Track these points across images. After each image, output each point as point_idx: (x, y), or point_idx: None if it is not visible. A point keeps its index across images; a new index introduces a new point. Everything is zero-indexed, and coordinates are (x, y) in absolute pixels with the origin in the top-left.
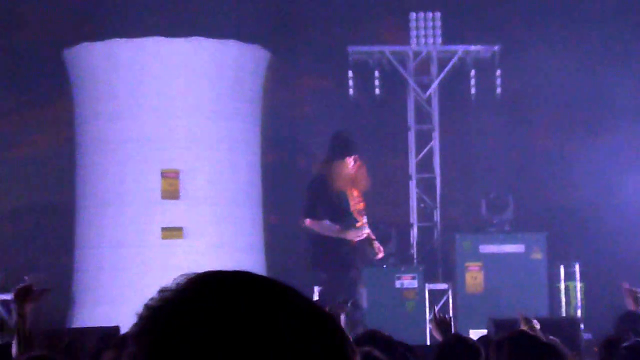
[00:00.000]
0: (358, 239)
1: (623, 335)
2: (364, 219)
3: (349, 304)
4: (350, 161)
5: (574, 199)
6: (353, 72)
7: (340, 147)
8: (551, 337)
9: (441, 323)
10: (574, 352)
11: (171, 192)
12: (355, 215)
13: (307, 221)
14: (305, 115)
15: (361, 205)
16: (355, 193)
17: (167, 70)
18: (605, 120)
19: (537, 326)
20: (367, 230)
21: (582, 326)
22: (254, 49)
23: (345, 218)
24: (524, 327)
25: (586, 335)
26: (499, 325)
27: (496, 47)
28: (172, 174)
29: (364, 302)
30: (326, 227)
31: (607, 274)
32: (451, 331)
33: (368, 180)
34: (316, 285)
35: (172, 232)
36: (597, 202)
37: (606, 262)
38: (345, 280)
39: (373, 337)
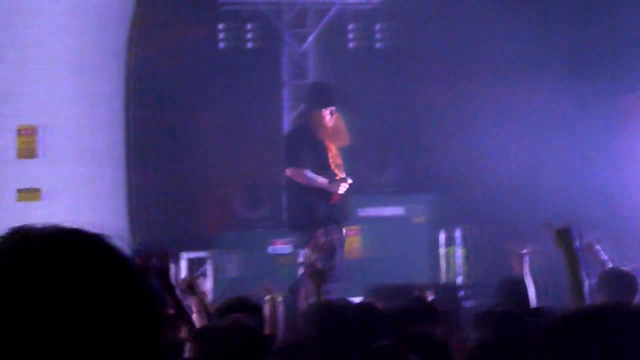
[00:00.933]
0: (341, 191)
1: (503, 302)
2: (343, 174)
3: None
4: (326, 113)
5: (458, 161)
6: (224, 24)
7: (316, 98)
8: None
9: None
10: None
11: (27, 151)
12: (334, 169)
13: (288, 171)
14: (174, 68)
15: (339, 160)
16: (333, 147)
17: (24, 20)
18: (492, 76)
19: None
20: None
21: (461, 292)
22: None
23: (324, 171)
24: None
25: (467, 303)
26: (378, 292)
27: (375, 0)
28: (29, 131)
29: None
30: (309, 177)
31: (491, 239)
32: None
33: (346, 133)
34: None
35: (28, 193)
36: (481, 165)
37: (490, 227)
38: (325, 241)
39: (243, 304)
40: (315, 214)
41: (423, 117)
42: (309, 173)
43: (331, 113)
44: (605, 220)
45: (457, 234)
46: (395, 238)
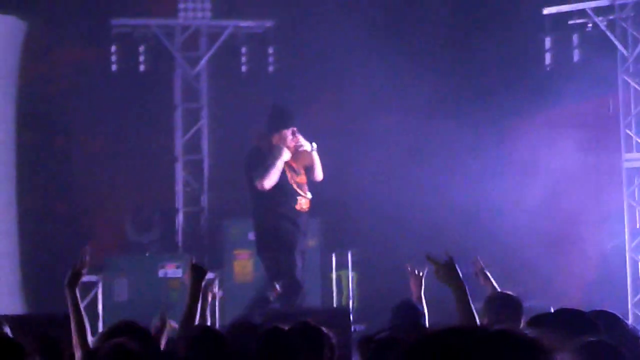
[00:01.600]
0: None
1: (399, 326)
2: (307, 193)
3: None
4: (287, 134)
5: (349, 185)
6: (116, 46)
7: (276, 120)
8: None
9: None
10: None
11: None
12: (295, 188)
13: (260, 185)
14: (65, 90)
15: (303, 179)
16: (295, 166)
17: None
18: (384, 103)
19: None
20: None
21: (352, 317)
22: (9, 20)
23: (283, 191)
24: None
25: (358, 327)
26: (268, 317)
27: (269, 23)
28: None
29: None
30: (269, 168)
31: (381, 263)
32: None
33: (309, 153)
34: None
35: None
36: (370, 189)
37: (380, 251)
38: (286, 263)
39: (130, 328)
40: (282, 238)
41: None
42: (268, 167)
43: (293, 133)
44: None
45: (348, 257)
46: None
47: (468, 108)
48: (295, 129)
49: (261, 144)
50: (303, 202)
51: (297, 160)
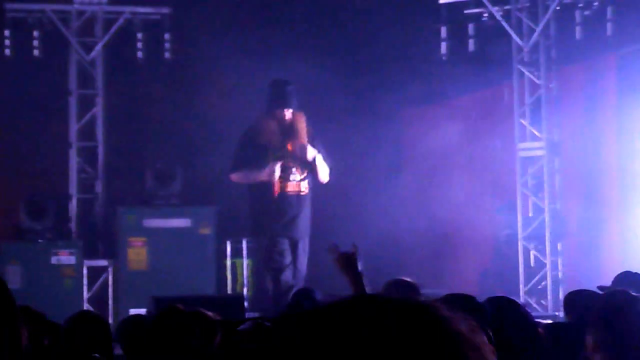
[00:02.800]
0: (270, 176)
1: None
2: (300, 174)
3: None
4: (281, 114)
5: None
6: (10, 30)
7: (270, 99)
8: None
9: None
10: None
11: None
12: (291, 166)
13: (232, 176)
14: None
15: (296, 161)
16: (290, 148)
17: None
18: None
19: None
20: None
21: (246, 304)
22: None
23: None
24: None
25: (251, 314)
26: (160, 304)
27: (165, 10)
28: None
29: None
30: (247, 173)
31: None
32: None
33: (306, 135)
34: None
35: None
36: None
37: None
38: (275, 249)
39: (25, 313)
40: (259, 221)
41: (208, 128)
42: (247, 171)
43: (291, 114)
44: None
45: (244, 245)
46: (182, 249)
47: (365, 100)
48: (293, 109)
49: (257, 125)
50: (294, 183)
51: (293, 141)
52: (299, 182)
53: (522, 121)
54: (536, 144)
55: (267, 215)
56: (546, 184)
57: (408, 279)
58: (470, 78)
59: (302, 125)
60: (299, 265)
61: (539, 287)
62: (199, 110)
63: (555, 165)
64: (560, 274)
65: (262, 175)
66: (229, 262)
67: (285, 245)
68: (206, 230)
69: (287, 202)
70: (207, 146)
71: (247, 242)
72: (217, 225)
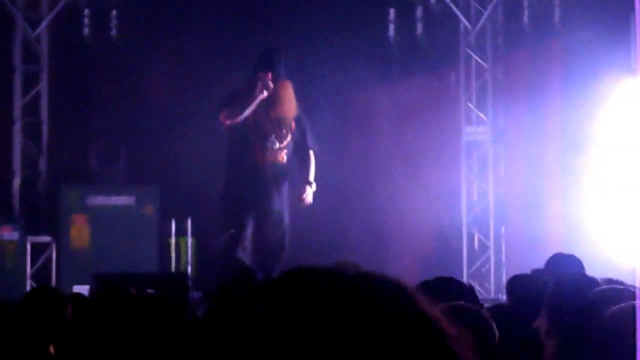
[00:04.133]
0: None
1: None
2: (278, 143)
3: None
4: (265, 78)
5: (187, 150)
6: None
7: (255, 64)
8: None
9: None
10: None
11: None
12: (266, 133)
13: (221, 116)
14: None
15: (279, 130)
16: (274, 116)
17: None
18: (226, 68)
19: None
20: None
21: (189, 283)
22: None
23: (243, 135)
24: None
25: (195, 294)
26: (101, 281)
27: None
28: None
29: None
30: (237, 104)
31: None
32: None
33: (293, 104)
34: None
35: None
36: (208, 155)
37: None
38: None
39: None
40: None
41: (154, 108)
42: (237, 103)
43: (272, 81)
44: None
45: (188, 224)
46: (125, 228)
47: (310, 83)
48: (275, 75)
49: (243, 84)
50: (272, 152)
51: (274, 110)
52: (277, 151)
53: (469, 105)
54: (481, 128)
55: (239, 185)
56: (491, 168)
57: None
58: (417, 61)
59: (287, 93)
60: (267, 240)
61: (482, 270)
62: (144, 89)
63: (500, 150)
64: (503, 258)
65: (253, 94)
66: (173, 241)
67: (250, 217)
68: (149, 209)
69: (263, 172)
70: (152, 125)
71: (192, 221)
72: (161, 203)
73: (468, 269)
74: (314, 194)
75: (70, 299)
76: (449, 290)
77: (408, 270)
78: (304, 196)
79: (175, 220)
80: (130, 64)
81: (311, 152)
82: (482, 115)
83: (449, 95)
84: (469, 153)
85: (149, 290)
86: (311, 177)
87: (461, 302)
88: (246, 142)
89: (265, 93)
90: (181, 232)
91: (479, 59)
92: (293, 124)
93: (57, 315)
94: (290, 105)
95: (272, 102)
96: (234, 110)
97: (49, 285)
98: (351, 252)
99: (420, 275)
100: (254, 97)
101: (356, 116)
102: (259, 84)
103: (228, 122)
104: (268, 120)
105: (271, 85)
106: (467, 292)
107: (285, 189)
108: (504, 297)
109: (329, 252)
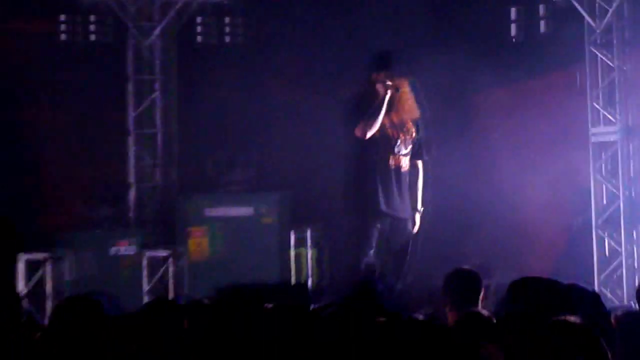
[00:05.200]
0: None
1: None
2: (404, 147)
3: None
4: (378, 79)
5: (308, 159)
6: (65, 15)
7: (369, 65)
8: None
9: None
10: None
11: None
12: (390, 137)
13: (357, 131)
14: (13, 63)
15: (399, 131)
16: (396, 119)
17: None
18: (336, 75)
19: None
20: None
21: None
22: None
23: (374, 140)
24: None
25: (316, 306)
26: (223, 295)
27: None
28: None
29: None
30: (369, 114)
31: (342, 240)
32: None
33: (411, 105)
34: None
35: None
36: (334, 162)
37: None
38: (369, 231)
39: (82, 303)
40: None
41: (271, 114)
42: (367, 114)
43: (389, 81)
44: None
45: (308, 234)
46: (244, 239)
47: (432, 86)
48: (393, 76)
49: (361, 88)
50: (397, 157)
51: (393, 114)
52: (402, 157)
53: (596, 105)
54: (610, 129)
55: (367, 190)
56: (620, 169)
57: (469, 268)
58: (541, 61)
59: (405, 92)
60: (391, 248)
61: (614, 276)
62: (261, 95)
63: (630, 150)
64: (636, 263)
65: (379, 103)
66: (292, 253)
67: (378, 223)
68: (269, 219)
69: (391, 177)
70: (270, 133)
71: (312, 232)
72: (281, 213)
73: (599, 275)
74: (440, 195)
75: (187, 309)
76: (574, 297)
77: (540, 273)
78: (413, 229)
79: (295, 231)
80: (246, 70)
81: (420, 164)
82: (610, 116)
83: (574, 96)
84: (597, 154)
85: (268, 306)
86: (419, 203)
87: (572, 319)
88: (375, 147)
89: (389, 93)
90: (301, 243)
91: (605, 58)
92: (414, 128)
93: (174, 326)
94: (411, 106)
95: (392, 103)
96: (368, 121)
97: (164, 296)
98: (478, 255)
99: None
100: (382, 101)
101: (480, 119)
102: (381, 86)
103: (368, 135)
104: (391, 125)
105: (391, 83)
106: (592, 299)
107: (407, 195)
108: (637, 306)
109: (455, 256)
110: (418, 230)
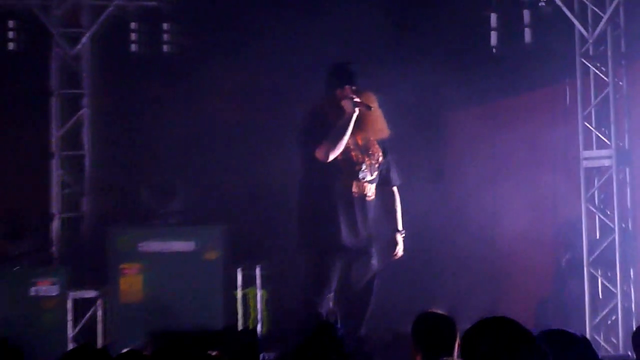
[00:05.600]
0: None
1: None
2: (373, 175)
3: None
4: (343, 95)
5: (256, 187)
6: None
7: (328, 79)
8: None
9: None
10: None
11: None
12: (355, 162)
13: (318, 154)
14: None
15: (365, 156)
16: (360, 140)
17: None
18: (290, 99)
19: None
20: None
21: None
22: None
23: (336, 166)
24: None
25: (267, 355)
26: (159, 342)
27: None
28: None
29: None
30: (333, 135)
31: (296, 280)
32: None
33: (380, 124)
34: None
35: None
36: (283, 191)
37: (295, 265)
38: (329, 269)
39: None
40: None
41: (215, 134)
42: (331, 135)
43: (351, 96)
44: None
45: (257, 272)
46: (184, 277)
47: (396, 104)
48: (356, 90)
49: (321, 104)
50: (362, 184)
51: (359, 131)
52: (366, 183)
53: (587, 125)
54: (603, 152)
55: (326, 220)
56: (615, 199)
57: (440, 312)
58: (525, 74)
59: (376, 107)
60: (354, 286)
61: (608, 321)
62: (203, 112)
63: (627, 177)
64: (633, 306)
65: (346, 121)
66: (239, 293)
67: (339, 258)
68: (213, 255)
69: (353, 206)
70: (212, 155)
71: (261, 270)
72: (226, 248)
73: (591, 319)
74: (405, 229)
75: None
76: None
77: (523, 318)
78: (397, 251)
79: (242, 269)
80: (185, 83)
81: (395, 190)
82: (604, 138)
83: (563, 115)
84: (589, 182)
85: (212, 353)
86: (400, 224)
87: None
88: (334, 172)
89: (356, 111)
90: (249, 282)
91: (598, 71)
92: (380, 151)
93: None
94: (381, 125)
95: (360, 123)
96: (332, 142)
97: (92, 344)
98: (449, 297)
99: (538, 325)
100: (348, 120)
101: (452, 141)
102: (348, 103)
103: (330, 157)
104: (355, 147)
105: (360, 100)
106: (581, 345)
107: (372, 227)
108: (634, 355)
109: (424, 297)
110: (401, 257)
